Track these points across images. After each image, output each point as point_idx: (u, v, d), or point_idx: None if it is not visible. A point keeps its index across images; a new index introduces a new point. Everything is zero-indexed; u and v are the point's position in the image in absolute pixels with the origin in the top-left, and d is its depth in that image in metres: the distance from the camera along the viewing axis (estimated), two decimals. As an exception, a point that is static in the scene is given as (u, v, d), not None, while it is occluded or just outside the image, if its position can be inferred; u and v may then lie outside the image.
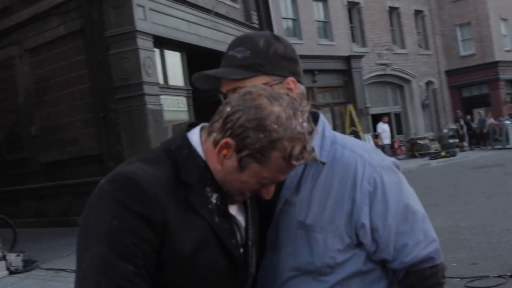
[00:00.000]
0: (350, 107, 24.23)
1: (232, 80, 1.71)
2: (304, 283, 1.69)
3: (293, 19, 24.63)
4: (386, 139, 26.22)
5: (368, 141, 24.69)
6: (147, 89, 12.52)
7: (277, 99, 1.46)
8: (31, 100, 14.92)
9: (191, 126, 1.62)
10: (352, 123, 24.06)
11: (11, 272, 8.71)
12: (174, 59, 14.79)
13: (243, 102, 1.46)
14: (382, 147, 23.74)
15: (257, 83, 1.66)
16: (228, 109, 1.47)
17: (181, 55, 15.04)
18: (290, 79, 1.74)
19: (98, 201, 1.43)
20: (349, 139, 1.79)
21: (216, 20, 15.98)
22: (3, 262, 8.78)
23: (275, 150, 1.44)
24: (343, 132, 24.76)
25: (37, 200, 14.89)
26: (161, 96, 13.38)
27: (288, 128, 1.43)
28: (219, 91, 1.77)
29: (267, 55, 1.71)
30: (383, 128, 26.24)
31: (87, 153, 13.57)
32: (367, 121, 26.60)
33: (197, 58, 15.09)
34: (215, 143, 1.48)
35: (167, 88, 14.02)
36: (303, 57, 20.90)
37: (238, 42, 1.76)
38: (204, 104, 10.11)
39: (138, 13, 12.66)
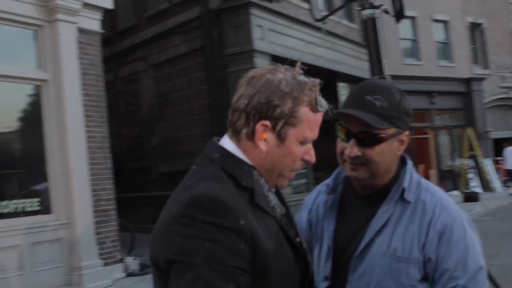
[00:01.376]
0: (469, 130, 23.48)
1: (365, 125, 1.86)
2: None
3: (412, 40, 24.30)
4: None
5: (487, 166, 23.83)
6: (261, 106, 12.83)
7: (276, 70, 1.64)
8: (153, 113, 15.71)
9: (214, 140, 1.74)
10: (471, 147, 23.31)
11: (128, 274, 9.28)
12: (289, 77, 15.06)
13: (252, 87, 1.60)
14: (509, 172, 22.48)
15: (387, 132, 1.89)
16: (242, 101, 1.59)
17: (297, 74, 15.29)
18: (406, 133, 1.98)
19: (182, 229, 1.44)
20: (432, 185, 2.03)
21: (333, 40, 16.15)
22: (121, 264, 9.35)
23: (302, 105, 1.60)
24: (461, 156, 24.09)
25: (156, 207, 15.58)
26: (275, 114, 13.64)
27: (300, 83, 1.62)
28: (347, 129, 1.93)
29: (399, 109, 1.92)
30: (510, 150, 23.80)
31: (202, 165, 14.07)
32: (487, 146, 25.68)
33: (312, 76, 15.31)
34: (250, 135, 1.59)
35: (281, 105, 14.31)
36: (421, 78, 20.63)
37: (375, 90, 1.92)
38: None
39: (256, 33, 13.08)
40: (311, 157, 1.69)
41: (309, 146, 1.68)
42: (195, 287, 1.39)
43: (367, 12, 4.21)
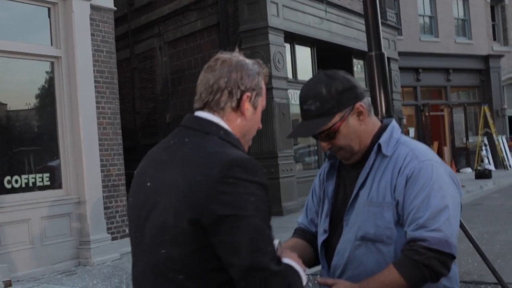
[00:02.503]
0: (485, 108, 23.36)
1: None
2: (366, 251, 2.17)
3: (430, 16, 24.09)
4: None
5: (502, 143, 23.74)
6: (275, 83, 12.89)
7: (237, 55, 1.94)
8: (167, 89, 15.83)
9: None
10: (486, 124, 23.20)
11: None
12: (304, 54, 15.07)
13: (228, 67, 1.88)
14: None
15: (334, 122, 2.17)
16: (222, 80, 1.87)
17: (312, 50, 15.29)
18: (358, 104, 2.21)
19: (230, 188, 1.64)
20: (412, 141, 2.29)
21: (348, 16, 16.08)
22: (129, 238, 9.52)
23: (263, 78, 1.96)
24: (476, 133, 23.99)
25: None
26: (289, 90, 13.70)
27: (257, 62, 1.97)
28: (314, 136, 2.26)
29: (332, 96, 2.17)
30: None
31: (215, 141, 14.21)
32: (503, 123, 25.53)
33: (327, 53, 15.32)
34: (235, 107, 1.88)
35: (295, 82, 14.32)
36: (438, 55, 20.44)
37: (305, 97, 2.22)
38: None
39: (271, 9, 13.07)
40: (260, 124, 2.03)
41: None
42: (251, 233, 1.62)
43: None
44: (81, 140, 8.60)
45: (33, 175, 8.41)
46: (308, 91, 2.21)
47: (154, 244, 1.75)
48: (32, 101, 9.13)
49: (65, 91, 8.67)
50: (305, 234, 2.51)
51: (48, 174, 8.56)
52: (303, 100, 2.22)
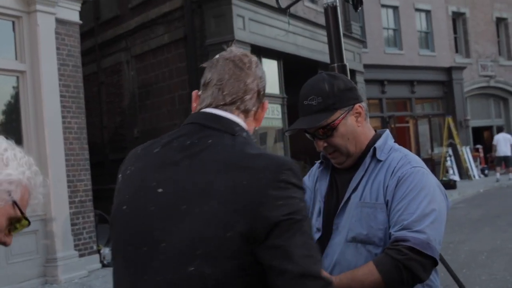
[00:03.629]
0: (449, 119, 23.76)
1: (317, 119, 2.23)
2: (355, 252, 2.18)
3: (394, 29, 24.45)
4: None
5: (466, 153, 24.11)
6: (242, 96, 12.90)
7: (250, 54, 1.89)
8: (135, 103, 15.74)
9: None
10: (450, 135, 23.57)
11: (104, 265, 9.38)
12: (271, 67, 15.13)
13: (258, 69, 1.82)
14: (499, 159, 22.45)
15: (333, 118, 2.21)
16: (256, 82, 1.80)
17: (278, 64, 15.37)
18: (357, 105, 2.27)
19: (283, 193, 1.54)
20: (405, 149, 2.34)
21: (314, 29, 16.22)
22: (98, 255, 9.43)
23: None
24: (441, 144, 24.34)
25: (137, 198, 15.68)
26: (256, 104, 13.73)
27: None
28: (305, 131, 2.30)
29: (334, 93, 2.22)
30: (499, 138, 22.78)
31: (183, 155, 14.18)
32: (467, 134, 25.96)
33: (293, 66, 15.42)
34: (256, 112, 1.81)
35: (262, 95, 14.39)
36: (403, 67, 20.73)
37: (307, 93, 2.26)
38: (297, 112, 10.34)
39: (237, 23, 13.12)
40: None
41: None
42: (304, 238, 1.53)
43: (327, 0, 4.29)
44: (47, 155, 8.49)
45: (-3, 192, 8.24)
46: (310, 88, 2.25)
47: (178, 261, 1.50)
48: (-3, 117, 9.01)
49: (30, 106, 8.57)
50: None
51: (13, 190, 8.41)
52: (304, 96, 2.26)
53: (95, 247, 9.37)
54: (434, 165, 24.20)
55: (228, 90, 1.75)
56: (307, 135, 2.34)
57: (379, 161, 2.25)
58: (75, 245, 8.89)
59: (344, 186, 2.30)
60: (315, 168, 2.54)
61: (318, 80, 2.26)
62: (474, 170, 24.40)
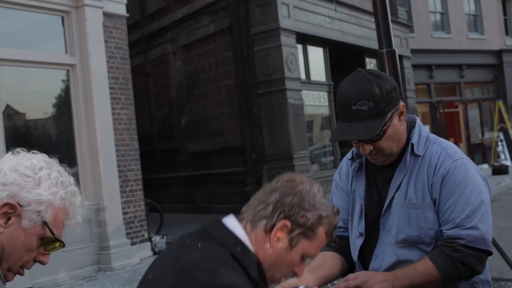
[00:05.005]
0: (500, 103, 23.21)
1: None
2: (409, 251, 2.16)
3: (441, 13, 23.98)
4: None
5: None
6: (288, 84, 12.92)
7: (312, 182, 1.73)
8: (182, 93, 15.90)
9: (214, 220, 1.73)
10: (501, 120, 23.05)
11: (155, 253, 9.53)
12: (316, 54, 15.07)
13: (290, 188, 1.68)
14: None
15: (385, 123, 2.09)
16: (276, 195, 1.66)
17: (324, 51, 15.29)
18: (401, 104, 2.18)
19: None
20: (440, 139, 2.28)
21: (360, 15, 16.07)
22: (149, 243, 9.61)
23: (322, 225, 1.68)
24: (491, 129, 23.83)
25: (185, 187, 15.89)
26: (303, 91, 13.72)
27: (329, 206, 1.71)
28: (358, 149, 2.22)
29: (384, 97, 2.09)
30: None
31: (231, 144, 14.28)
32: (519, 118, 25.36)
33: (339, 53, 15.33)
34: (269, 229, 1.64)
35: (308, 83, 14.34)
36: (451, 51, 20.24)
37: (357, 96, 2.09)
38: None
39: (282, 11, 13.09)
40: (301, 272, 1.76)
41: (304, 262, 1.76)
42: None
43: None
44: (98, 146, 8.68)
45: (52, 182, 8.46)
46: (358, 91, 2.09)
47: None
48: (49, 110, 9.24)
49: (80, 99, 8.76)
50: (335, 242, 2.42)
51: (66, 181, 8.62)
52: (352, 100, 2.08)
53: (146, 235, 9.54)
54: (485, 150, 23.77)
55: (253, 198, 1.75)
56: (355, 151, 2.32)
57: (417, 156, 2.20)
58: (127, 234, 9.08)
59: (385, 185, 2.26)
60: (346, 166, 2.46)
61: (365, 81, 2.10)
62: (526, 154, 23.83)
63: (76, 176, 8.76)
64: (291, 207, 1.64)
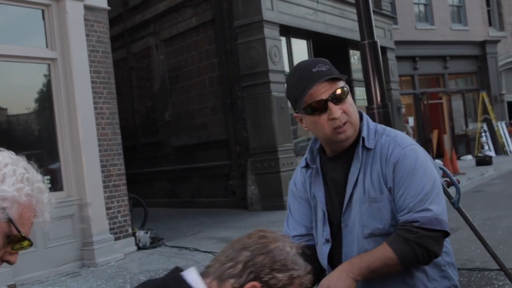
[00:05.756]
0: (483, 94, 23.38)
1: (331, 87, 2.16)
2: (377, 244, 2.15)
3: (425, 4, 24.04)
4: None
5: (501, 129, 23.75)
6: (272, 77, 12.87)
7: (285, 240, 1.63)
8: (165, 87, 15.82)
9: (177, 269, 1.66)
10: (485, 111, 23.21)
11: (139, 248, 9.48)
12: (300, 47, 15.03)
13: (262, 246, 1.56)
14: None
15: (341, 85, 2.17)
16: (247, 253, 1.55)
17: (308, 43, 15.24)
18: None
19: None
20: (387, 128, 2.32)
21: (343, 7, 16.05)
22: (133, 238, 9.56)
23: (293, 286, 1.57)
24: (475, 120, 23.99)
25: (169, 181, 15.84)
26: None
27: (301, 266, 1.61)
28: (316, 101, 2.16)
29: (336, 69, 2.21)
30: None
31: (215, 138, 14.24)
32: (502, 109, 25.53)
33: (323, 45, 15.30)
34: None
35: (292, 76, 14.34)
36: (435, 42, 20.41)
37: (314, 62, 2.19)
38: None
39: (265, 3, 13.04)
40: None
41: None
42: None
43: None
44: (80, 141, 8.59)
45: (34, 178, 8.38)
46: (314, 60, 2.22)
47: None
48: (31, 105, 9.14)
49: (62, 93, 8.66)
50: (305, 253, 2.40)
51: (49, 177, 8.55)
52: (312, 64, 2.18)
53: (130, 230, 9.48)
54: (469, 141, 23.92)
55: (222, 253, 1.65)
56: (317, 112, 2.17)
57: (369, 149, 2.23)
58: (111, 229, 9.00)
59: (341, 184, 2.27)
60: (301, 175, 2.43)
61: (314, 59, 2.27)
62: (510, 145, 24.01)
63: (58, 171, 8.68)
64: (262, 267, 1.54)
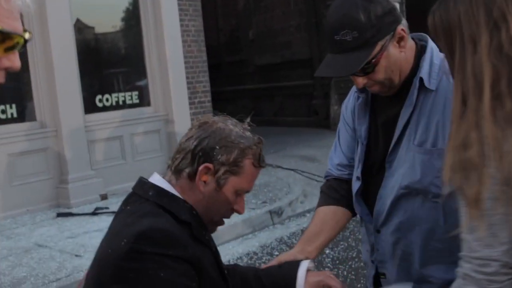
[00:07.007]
0: None
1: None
2: (411, 200, 1.92)
3: None
4: None
5: None
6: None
7: (227, 120, 1.73)
8: (249, 5, 15.70)
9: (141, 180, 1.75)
10: None
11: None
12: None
13: (204, 131, 1.67)
14: None
15: (374, 54, 1.79)
16: (191, 142, 1.66)
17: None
18: (399, 29, 1.84)
19: (134, 264, 1.48)
20: None
21: None
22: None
23: (246, 157, 1.68)
24: None
25: (252, 99, 15.95)
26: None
27: (249, 138, 1.71)
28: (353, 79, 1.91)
29: (372, 24, 1.78)
30: None
31: (298, 57, 14.13)
32: None
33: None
34: (192, 175, 1.66)
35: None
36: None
37: (339, 25, 1.80)
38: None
39: None
40: (241, 208, 1.76)
41: (242, 197, 1.75)
42: None
43: None
44: (166, 58, 8.73)
45: (123, 94, 8.67)
46: (341, 18, 1.80)
47: None
48: (118, 23, 9.27)
49: (149, 11, 8.75)
50: (337, 191, 2.21)
51: (136, 93, 8.80)
52: (334, 29, 1.81)
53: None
54: None
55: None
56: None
57: (429, 90, 1.88)
58: (196, 145, 9.22)
59: (391, 122, 1.97)
60: (353, 99, 2.17)
61: (351, 6, 1.80)
62: None
63: (145, 88, 8.90)
64: (210, 149, 1.64)
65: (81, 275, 4.81)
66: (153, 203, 1.62)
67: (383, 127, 2.03)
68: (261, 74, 15.52)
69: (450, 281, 1.43)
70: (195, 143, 1.65)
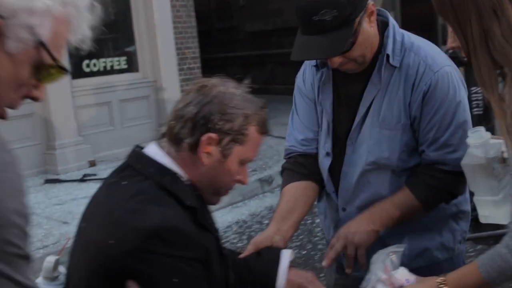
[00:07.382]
0: None
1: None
2: (378, 174, 1.99)
3: None
4: None
5: None
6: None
7: (227, 82, 1.58)
8: (240, -30, 15.49)
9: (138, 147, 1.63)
10: None
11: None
12: None
13: (204, 95, 1.51)
14: None
15: (353, 31, 1.77)
16: (191, 108, 1.50)
17: None
18: (370, 4, 1.84)
19: (149, 267, 1.39)
20: (416, 40, 1.97)
21: None
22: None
23: (251, 124, 1.55)
24: None
25: (243, 67, 15.80)
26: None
27: (253, 102, 1.57)
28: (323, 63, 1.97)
29: (350, 1, 1.75)
30: None
31: (290, 24, 13.93)
32: None
33: None
34: (193, 146, 1.51)
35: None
36: None
37: (317, 5, 1.76)
38: None
39: None
40: (245, 178, 1.65)
41: (245, 167, 1.64)
42: None
43: None
44: (155, 23, 8.63)
45: (111, 59, 8.57)
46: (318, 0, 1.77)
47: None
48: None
49: (137, -26, 8.61)
50: (304, 166, 2.15)
51: (125, 58, 8.70)
52: (312, 9, 1.77)
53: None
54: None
55: (168, 118, 1.58)
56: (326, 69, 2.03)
57: (392, 66, 1.91)
58: (185, 112, 9.17)
59: (354, 100, 1.99)
60: (311, 74, 2.14)
61: None
62: None
63: (134, 54, 8.79)
64: (211, 116, 1.49)
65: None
66: (155, 183, 1.49)
67: (346, 103, 2.03)
68: (252, 41, 15.35)
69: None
70: (195, 110, 1.50)
